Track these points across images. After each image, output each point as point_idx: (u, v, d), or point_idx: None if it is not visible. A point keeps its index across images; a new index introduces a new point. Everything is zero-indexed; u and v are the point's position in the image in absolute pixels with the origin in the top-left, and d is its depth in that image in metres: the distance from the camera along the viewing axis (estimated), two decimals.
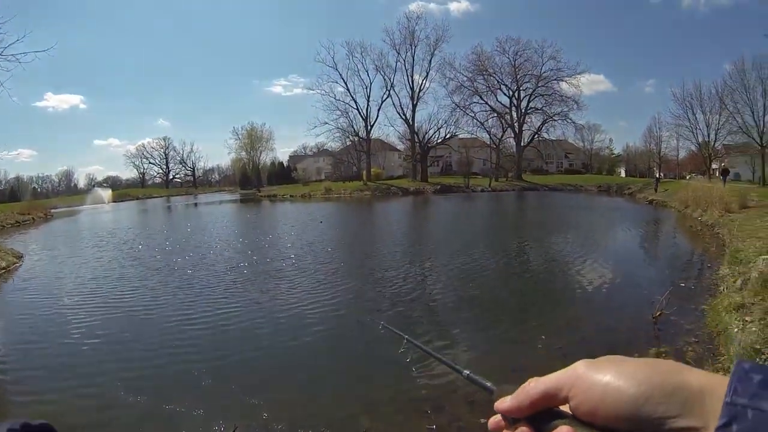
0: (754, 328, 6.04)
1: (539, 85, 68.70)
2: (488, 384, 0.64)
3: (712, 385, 0.44)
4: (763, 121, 39.08)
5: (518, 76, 69.12)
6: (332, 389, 5.74)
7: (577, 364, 0.51)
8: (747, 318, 6.65)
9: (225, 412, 5.14)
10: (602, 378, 0.48)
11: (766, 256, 9.40)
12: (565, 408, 0.52)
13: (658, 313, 7.59)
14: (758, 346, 5.33)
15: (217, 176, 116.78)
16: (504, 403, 0.55)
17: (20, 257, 16.51)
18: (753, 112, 39.61)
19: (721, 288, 9.18)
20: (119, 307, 9.69)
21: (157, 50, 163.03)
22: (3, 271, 14.23)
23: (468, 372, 0.71)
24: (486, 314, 8.87)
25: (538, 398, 0.52)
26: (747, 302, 7.31)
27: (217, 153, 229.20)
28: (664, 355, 6.05)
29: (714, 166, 53.59)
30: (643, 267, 12.96)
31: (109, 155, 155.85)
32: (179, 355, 6.93)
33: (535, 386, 0.53)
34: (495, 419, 0.58)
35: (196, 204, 53.33)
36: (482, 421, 4.73)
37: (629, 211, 29.19)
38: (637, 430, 0.45)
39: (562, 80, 67.60)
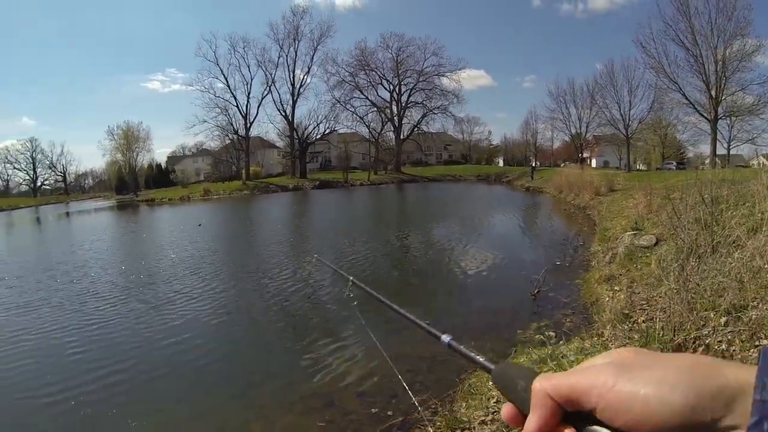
0: (622, 296, 6.40)
1: (420, 79, 70.14)
2: (481, 359, 0.61)
3: (750, 380, 0.40)
4: (629, 115, 44.81)
5: (400, 72, 70.01)
6: (219, 397, 5.27)
7: (605, 370, 0.45)
8: (616, 287, 7.06)
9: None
10: (640, 390, 0.43)
11: (630, 233, 10.13)
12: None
13: (536, 291, 7.78)
14: (626, 312, 5.56)
15: (90, 181, 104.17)
16: (531, 423, 0.47)
17: None
18: (620, 107, 45.17)
19: (593, 263, 9.76)
20: None
21: (17, 40, 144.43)
22: None
23: (449, 338, 0.69)
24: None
25: (561, 402, 0.46)
26: (615, 274, 7.79)
27: (90, 155, 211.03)
28: (544, 327, 6.09)
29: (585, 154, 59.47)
30: (523, 249, 13.49)
31: None
32: (55, 372, 6.08)
33: (555, 389, 0.47)
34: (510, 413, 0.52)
35: (68, 213, 47.69)
36: (373, 411, 4.57)
37: (507, 198, 30.94)
38: None
39: (444, 75, 69.55)
